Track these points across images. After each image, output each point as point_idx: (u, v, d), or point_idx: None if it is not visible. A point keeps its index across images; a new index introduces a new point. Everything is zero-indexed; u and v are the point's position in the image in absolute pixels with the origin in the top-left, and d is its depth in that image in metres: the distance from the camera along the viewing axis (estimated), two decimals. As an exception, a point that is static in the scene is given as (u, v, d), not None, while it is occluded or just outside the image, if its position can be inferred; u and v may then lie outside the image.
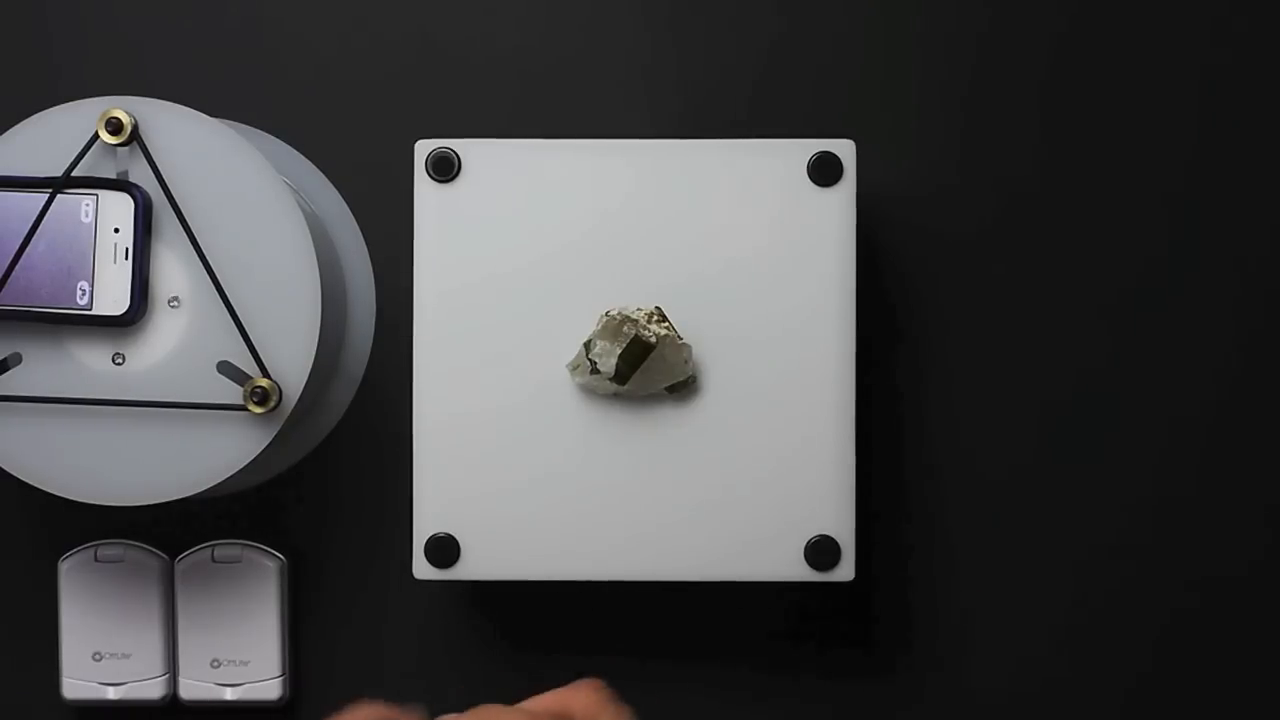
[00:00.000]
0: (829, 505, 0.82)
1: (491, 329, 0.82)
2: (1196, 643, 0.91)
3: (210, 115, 0.82)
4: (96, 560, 0.89)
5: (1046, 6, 0.91)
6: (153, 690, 0.89)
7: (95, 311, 0.80)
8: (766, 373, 0.82)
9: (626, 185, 0.82)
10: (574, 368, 0.82)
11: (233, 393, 0.81)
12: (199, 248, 0.80)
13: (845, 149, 0.82)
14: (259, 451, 0.81)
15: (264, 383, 0.80)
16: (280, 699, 0.90)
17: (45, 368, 0.81)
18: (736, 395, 0.82)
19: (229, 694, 0.89)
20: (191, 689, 0.89)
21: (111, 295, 0.80)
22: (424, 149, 0.82)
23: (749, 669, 0.91)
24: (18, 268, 0.80)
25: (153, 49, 0.91)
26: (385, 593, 0.91)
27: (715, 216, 0.82)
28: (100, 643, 0.89)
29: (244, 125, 0.90)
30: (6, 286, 0.80)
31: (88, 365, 0.81)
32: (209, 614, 0.89)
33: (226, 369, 0.81)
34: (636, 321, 0.81)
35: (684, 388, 0.82)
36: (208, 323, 0.81)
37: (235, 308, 0.80)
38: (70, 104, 0.81)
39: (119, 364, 0.81)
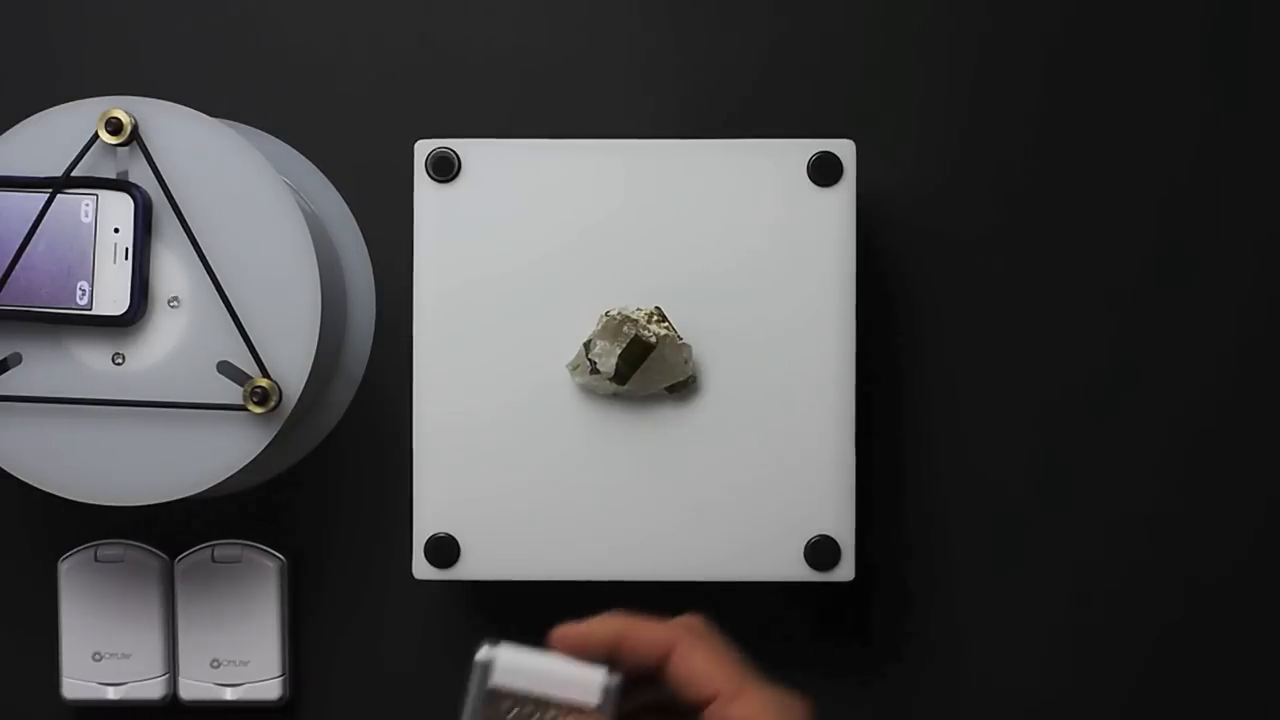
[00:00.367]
0: (829, 505, 0.82)
1: (491, 329, 0.82)
2: (1196, 642, 0.91)
3: (210, 115, 0.82)
4: (96, 560, 0.89)
5: (1046, 7, 0.91)
6: (153, 690, 0.89)
7: (95, 311, 0.80)
8: (766, 373, 0.82)
9: (626, 185, 0.82)
10: (574, 368, 0.82)
11: (233, 393, 0.81)
12: (199, 248, 0.80)
13: (845, 149, 0.82)
14: (259, 451, 0.81)
15: (264, 383, 0.80)
16: (280, 699, 0.90)
17: (45, 368, 0.81)
18: (736, 395, 0.82)
19: (229, 694, 0.89)
20: (191, 689, 0.89)
21: (111, 295, 0.80)
22: (424, 149, 0.82)
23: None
24: (18, 268, 0.80)
25: (153, 49, 0.91)
26: (385, 593, 0.91)
27: (715, 216, 0.82)
28: (100, 643, 0.89)
29: (244, 125, 0.90)
30: (6, 286, 0.80)
31: (88, 365, 0.81)
32: (209, 614, 0.89)
33: (226, 369, 0.81)
34: (636, 321, 0.81)
35: (684, 388, 0.82)
36: (208, 323, 0.81)
37: (235, 308, 0.80)
38: (70, 104, 0.81)
39: (119, 364, 0.81)
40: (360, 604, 0.91)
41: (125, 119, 0.80)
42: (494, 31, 0.91)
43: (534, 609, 0.91)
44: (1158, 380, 0.91)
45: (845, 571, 0.82)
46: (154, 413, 0.81)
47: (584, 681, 0.64)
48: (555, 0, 0.91)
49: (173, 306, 0.81)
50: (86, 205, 0.80)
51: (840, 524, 0.82)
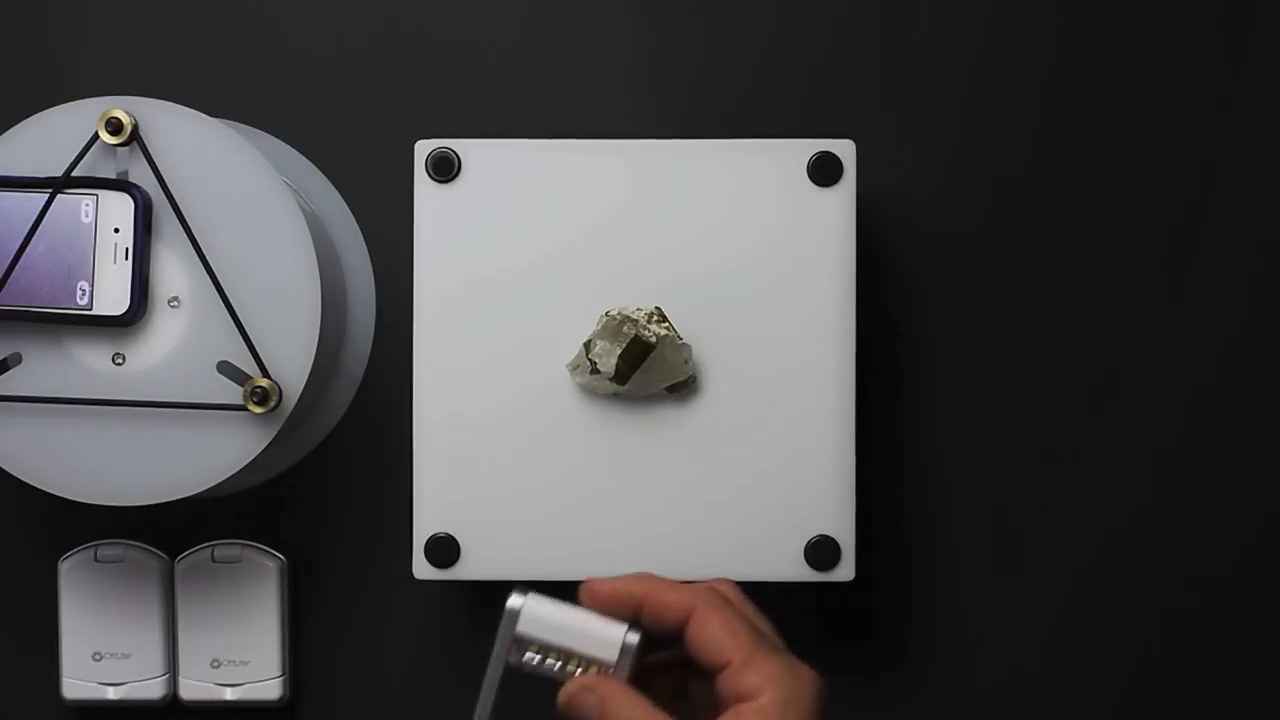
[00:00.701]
0: (829, 505, 0.82)
1: (491, 329, 0.82)
2: (1195, 642, 0.91)
3: (210, 115, 0.82)
4: (96, 560, 0.89)
5: (1046, 8, 0.91)
6: (153, 690, 0.89)
7: (95, 311, 0.80)
8: (766, 373, 0.82)
9: (626, 185, 0.82)
10: (574, 368, 0.82)
11: (233, 393, 0.81)
12: (199, 248, 0.80)
13: (845, 149, 0.82)
14: (259, 451, 0.81)
15: (264, 383, 0.80)
16: (280, 699, 0.90)
17: (45, 368, 0.81)
18: (736, 395, 0.82)
19: (229, 694, 0.89)
20: (191, 689, 0.89)
21: (111, 295, 0.80)
22: (424, 149, 0.82)
23: (749, 669, 0.91)
24: (18, 268, 0.80)
25: (153, 49, 0.91)
26: (385, 593, 0.91)
27: (715, 216, 0.82)
28: (100, 643, 0.89)
29: (244, 125, 0.90)
30: (6, 286, 0.80)
31: (88, 365, 0.81)
32: (209, 614, 0.89)
33: (226, 369, 0.81)
34: (636, 321, 0.81)
35: (684, 388, 0.82)
36: (208, 323, 0.81)
37: (235, 308, 0.80)
38: (70, 104, 0.81)
39: (119, 364, 0.81)
40: (360, 604, 0.91)
41: (125, 119, 0.80)
42: (494, 31, 0.91)
43: (534, 609, 0.91)
44: (1157, 380, 0.91)
45: (845, 571, 0.82)
46: (154, 413, 0.81)
47: (604, 637, 0.67)
48: (555, 0, 0.91)
49: (173, 306, 0.81)
50: (86, 205, 0.80)
51: (840, 524, 0.82)
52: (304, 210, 0.83)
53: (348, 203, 0.91)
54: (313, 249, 0.81)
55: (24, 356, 0.81)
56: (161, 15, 0.91)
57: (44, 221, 0.80)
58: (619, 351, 0.80)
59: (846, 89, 0.91)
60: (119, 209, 0.80)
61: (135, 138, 0.80)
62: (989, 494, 0.91)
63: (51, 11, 0.91)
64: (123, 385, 0.81)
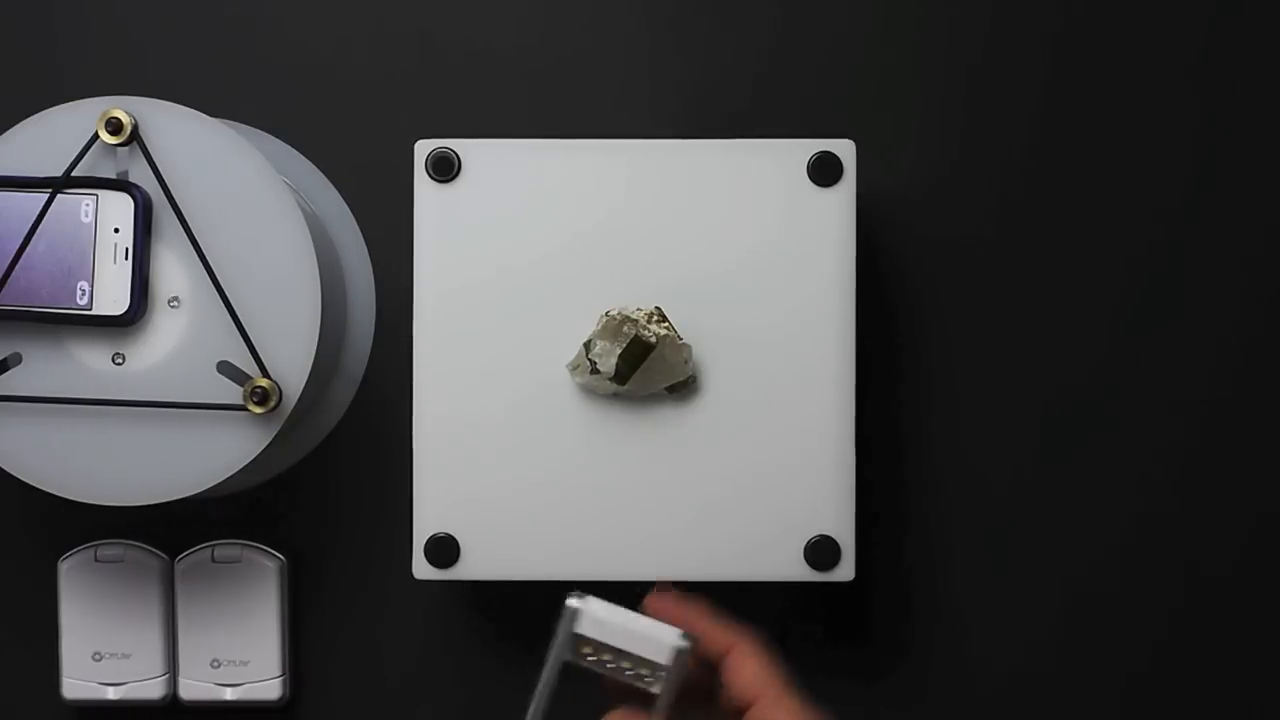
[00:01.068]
0: (829, 505, 0.82)
1: (491, 329, 0.82)
2: (1194, 642, 0.91)
3: (210, 115, 0.82)
4: (96, 560, 0.89)
5: (1046, 7, 0.91)
6: (153, 690, 0.89)
7: (95, 311, 0.80)
8: (766, 373, 0.82)
9: (626, 185, 0.82)
10: (574, 368, 0.82)
11: (233, 393, 0.81)
12: (199, 248, 0.80)
13: (845, 149, 0.82)
14: (259, 451, 0.81)
15: (264, 383, 0.80)
16: (280, 699, 0.90)
17: (45, 368, 0.81)
18: (736, 395, 0.82)
19: (229, 694, 0.89)
20: (191, 689, 0.89)
21: (111, 295, 0.80)
22: (424, 149, 0.82)
23: (749, 669, 0.91)
24: (18, 268, 0.80)
25: (153, 49, 0.91)
26: (385, 593, 0.91)
27: (715, 216, 0.82)
28: (100, 643, 0.89)
29: (244, 125, 0.90)
30: (6, 286, 0.80)
31: (88, 365, 0.81)
32: (209, 614, 0.89)
33: (226, 369, 0.81)
34: (636, 321, 0.81)
35: (684, 388, 0.82)
36: (208, 323, 0.81)
37: (235, 308, 0.80)
38: (70, 104, 0.81)
39: (119, 364, 0.81)
40: (360, 604, 0.91)
41: (125, 119, 0.80)
42: (494, 31, 0.91)
43: (534, 609, 0.91)
44: (1157, 379, 0.91)
45: (845, 571, 0.82)
46: (154, 413, 0.81)
47: (659, 640, 0.73)
48: (555, 0, 0.91)
49: (173, 306, 0.81)
50: (86, 205, 0.80)
51: (840, 524, 0.82)
52: (304, 210, 0.83)
53: (348, 203, 0.91)
54: (313, 249, 0.81)
55: (24, 356, 0.81)
56: (161, 15, 0.91)
57: (44, 221, 0.80)
58: (619, 351, 0.80)
59: (846, 89, 0.91)
60: (119, 209, 0.80)
61: (135, 138, 0.80)
62: (989, 494, 0.91)
63: (51, 12, 0.91)
64: (123, 385, 0.81)
